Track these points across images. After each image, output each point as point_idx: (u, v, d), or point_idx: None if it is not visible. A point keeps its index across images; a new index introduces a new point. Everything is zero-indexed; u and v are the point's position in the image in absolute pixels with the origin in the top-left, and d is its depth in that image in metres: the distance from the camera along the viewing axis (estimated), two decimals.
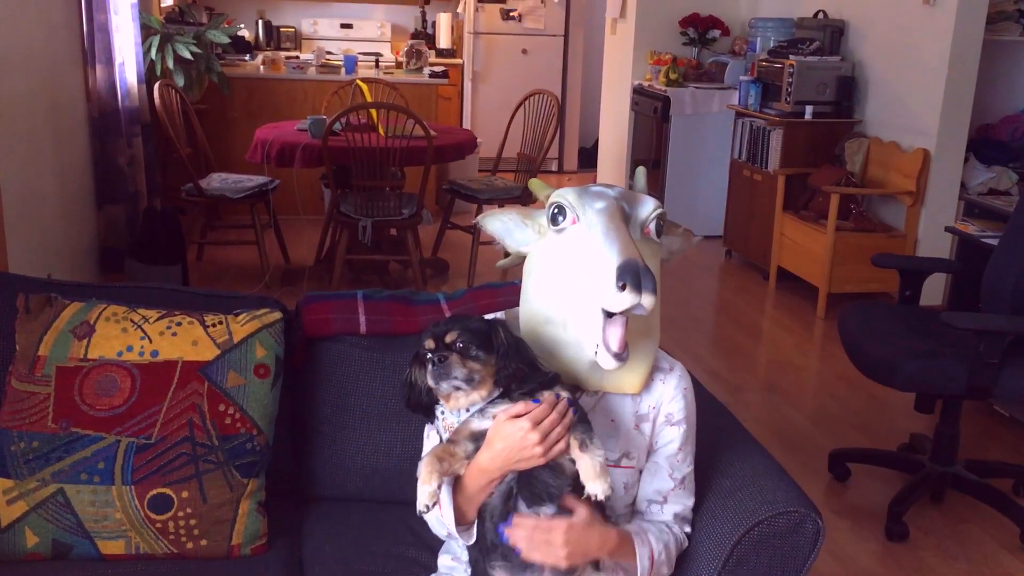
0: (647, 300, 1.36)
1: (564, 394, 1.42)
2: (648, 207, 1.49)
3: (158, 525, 1.69)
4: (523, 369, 1.42)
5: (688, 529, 1.60)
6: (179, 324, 1.79)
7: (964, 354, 2.71)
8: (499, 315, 1.60)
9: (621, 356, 1.41)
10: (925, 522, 2.94)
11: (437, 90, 6.61)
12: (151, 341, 1.75)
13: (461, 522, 1.45)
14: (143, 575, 1.67)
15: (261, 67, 6.48)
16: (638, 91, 6.50)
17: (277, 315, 1.86)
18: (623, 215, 1.46)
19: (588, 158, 8.43)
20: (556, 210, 1.47)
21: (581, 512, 1.41)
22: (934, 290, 4.51)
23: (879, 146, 4.98)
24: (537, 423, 1.36)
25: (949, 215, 4.59)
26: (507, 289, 2.03)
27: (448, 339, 1.40)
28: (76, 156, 4.45)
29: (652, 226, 1.50)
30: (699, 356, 4.27)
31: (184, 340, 1.77)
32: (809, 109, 5.16)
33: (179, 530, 1.70)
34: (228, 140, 6.08)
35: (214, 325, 1.80)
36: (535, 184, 1.58)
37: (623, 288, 1.35)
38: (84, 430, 1.69)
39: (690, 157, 6.17)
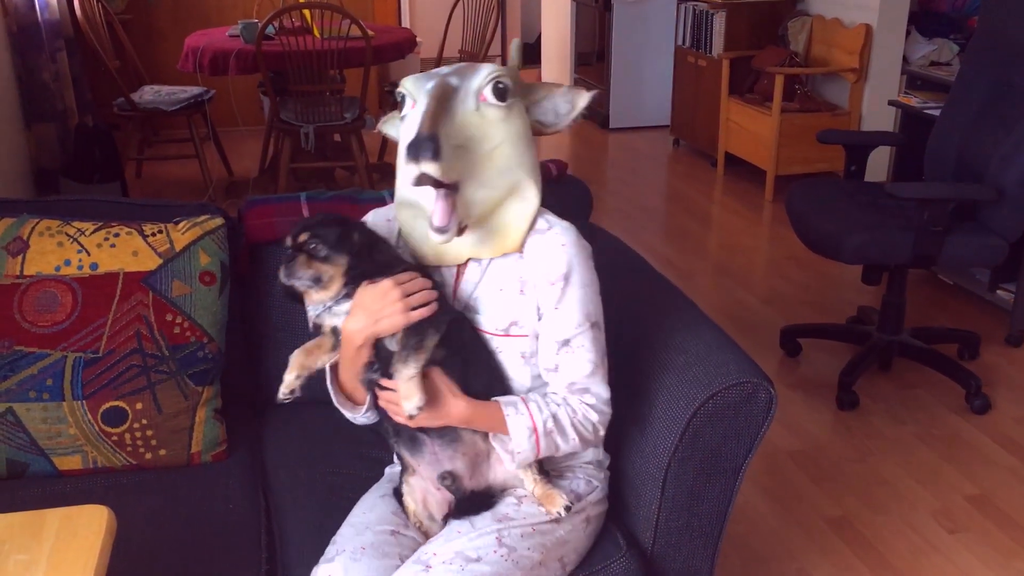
0: (426, 166, 1.33)
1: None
2: (481, 74, 1.44)
3: (114, 438, 1.68)
4: (378, 269, 1.42)
5: (591, 401, 1.49)
6: (117, 235, 1.74)
7: (909, 224, 2.75)
8: (367, 217, 1.60)
9: (443, 229, 1.39)
10: (874, 390, 3.03)
11: None
12: (89, 254, 1.70)
13: (357, 403, 1.52)
14: (104, 488, 1.66)
15: None
16: None
17: (219, 220, 1.82)
18: (450, 91, 1.42)
19: (532, 53, 8.26)
20: (400, 99, 1.46)
21: (433, 380, 1.43)
22: (879, 165, 4.55)
23: (822, 24, 4.94)
24: (399, 284, 1.40)
25: (892, 89, 4.59)
26: None
27: (300, 239, 1.42)
28: None
29: (488, 91, 1.43)
30: (651, 245, 4.29)
31: (124, 251, 1.72)
32: None
33: (136, 442, 1.69)
34: (158, 51, 5.85)
35: (154, 235, 1.76)
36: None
37: (409, 162, 1.35)
38: (28, 348, 1.65)
39: (634, 46, 6.07)
